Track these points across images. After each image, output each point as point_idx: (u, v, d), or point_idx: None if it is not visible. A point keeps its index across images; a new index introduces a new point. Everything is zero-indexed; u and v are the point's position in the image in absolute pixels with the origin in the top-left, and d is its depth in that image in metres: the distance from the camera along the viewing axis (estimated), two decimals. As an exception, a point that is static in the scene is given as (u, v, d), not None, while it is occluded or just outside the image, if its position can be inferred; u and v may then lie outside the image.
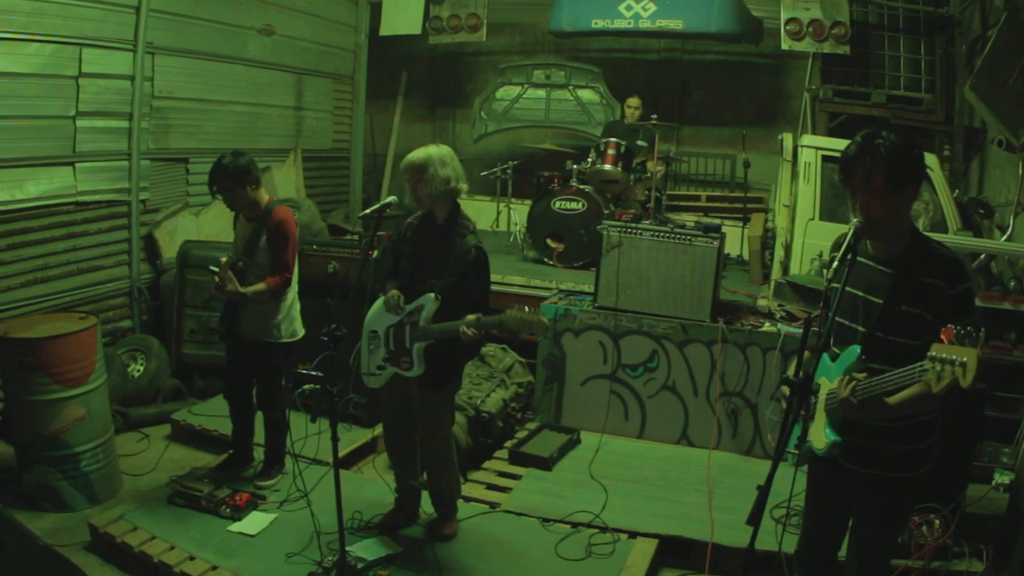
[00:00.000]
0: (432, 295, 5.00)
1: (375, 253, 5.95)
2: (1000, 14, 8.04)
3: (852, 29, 9.80)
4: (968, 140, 10.03)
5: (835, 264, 3.36)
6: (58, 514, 5.78)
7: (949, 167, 9.85)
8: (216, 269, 5.58)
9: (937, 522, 5.25)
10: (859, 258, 3.45)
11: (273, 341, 5.92)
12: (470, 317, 4.89)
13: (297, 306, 6.10)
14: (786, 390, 3.39)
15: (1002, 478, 6.12)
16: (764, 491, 3.26)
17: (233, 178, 5.69)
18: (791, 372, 3.47)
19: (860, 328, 3.50)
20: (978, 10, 9.46)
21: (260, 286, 5.67)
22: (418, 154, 5.04)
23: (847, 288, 3.45)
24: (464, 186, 5.17)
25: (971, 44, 9.64)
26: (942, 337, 2.90)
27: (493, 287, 5.44)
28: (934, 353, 2.88)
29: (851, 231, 3.36)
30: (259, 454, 6.35)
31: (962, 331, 2.86)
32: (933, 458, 3.56)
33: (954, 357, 2.81)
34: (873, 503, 3.63)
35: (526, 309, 4.87)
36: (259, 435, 6.31)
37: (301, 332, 6.11)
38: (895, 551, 4.31)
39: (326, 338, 4.66)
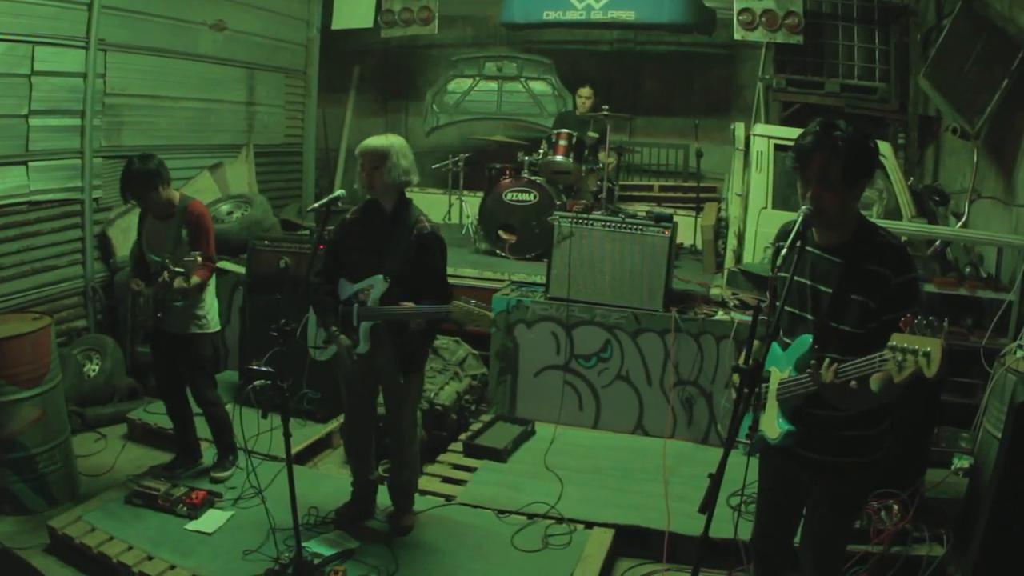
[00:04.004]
0: (381, 277, 4.99)
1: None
2: (955, 3, 8.14)
3: (806, 19, 9.80)
4: (923, 128, 10.17)
5: (783, 253, 3.37)
6: (17, 517, 5.76)
7: (904, 155, 10.02)
8: (142, 288, 5.77)
9: (896, 507, 5.29)
10: (807, 247, 3.47)
11: (202, 332, 6.01)
12: (407, 304, 4.92)
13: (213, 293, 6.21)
14: (736, 378, 3.41)
15: (961, 463, 6.26)
16: (716, 479, 3.29)
17: (146, 181, 5.65)
18: (741, 360, 3.53)
19: (810, 317, 3.51)
20: (933, -1, 9.57)
21: (195, 279, 5.69)
22: (379, 141, 5.01)
23: (796, 277, 3.46)
24: (416, 178, 5.17)
25: (926, 33, 9.77)
26: (901, 326, 2.88)
27: (446, 279, 5.44)
28: (895, 343, 2.86)
29: (799, 219, 3.35)
30: (211, 452, 6.37)
31: (923, 322, 2.82)
32: (886, 444, 3.58)
33: (916, 347, 2.79)
34: (827, 490, 3.65)
35: (471, 302, 4.94)
36: (205, 431, 6.35)
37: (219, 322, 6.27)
38: (853, 536, 4.36)
39: (276, 333, 4.69)
